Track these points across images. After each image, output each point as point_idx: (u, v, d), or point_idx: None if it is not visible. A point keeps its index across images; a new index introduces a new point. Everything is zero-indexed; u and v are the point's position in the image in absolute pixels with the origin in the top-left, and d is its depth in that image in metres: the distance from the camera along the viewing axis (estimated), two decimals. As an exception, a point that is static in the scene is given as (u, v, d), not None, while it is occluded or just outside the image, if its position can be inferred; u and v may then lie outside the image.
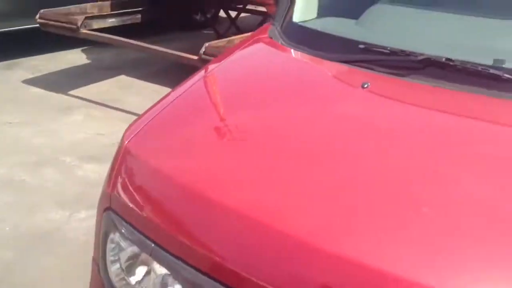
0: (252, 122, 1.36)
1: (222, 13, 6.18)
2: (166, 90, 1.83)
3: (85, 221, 2.77)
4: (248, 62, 1.69)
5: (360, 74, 1.38)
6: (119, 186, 1.28)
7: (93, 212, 1.39)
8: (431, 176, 1.05)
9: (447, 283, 0.85)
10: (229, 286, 1.01)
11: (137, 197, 1.24)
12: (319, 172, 1.11)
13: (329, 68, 1.49)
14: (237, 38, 4.04)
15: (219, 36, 5.50)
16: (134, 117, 1.52)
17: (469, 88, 1.25)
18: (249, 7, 5.89)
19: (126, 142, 1.35)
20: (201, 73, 1.64)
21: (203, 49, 3.80)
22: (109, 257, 1.28)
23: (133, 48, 4.68)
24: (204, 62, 3.81)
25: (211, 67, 1.66)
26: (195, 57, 3.88)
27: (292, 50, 1.59)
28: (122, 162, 1.33)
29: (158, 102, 1.50)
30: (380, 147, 1.15)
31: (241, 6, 5.96)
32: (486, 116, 1.26)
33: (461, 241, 0.91)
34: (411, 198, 1.00)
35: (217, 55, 3.74)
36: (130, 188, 1.27)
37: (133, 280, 1.23)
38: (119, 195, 1.28)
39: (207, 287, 1.04)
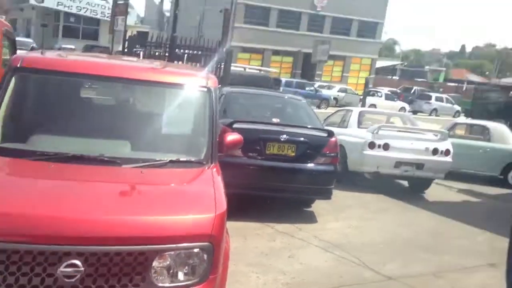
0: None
1: None
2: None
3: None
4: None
5: (48, 163, 3.19)
6: None
7: None
8: (78, 188, 3.06)
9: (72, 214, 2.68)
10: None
11: None
12: (51, 191, 2.95)
13: (33, 162, 3.23)
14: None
15: None
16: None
17: (89, 163, 3.27)
18: None
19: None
20: None
21: None
22: None
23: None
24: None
25: None
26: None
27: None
28: None
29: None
30: (58, 181, 3.16)
31: None
32: (94, 173, 3.24)
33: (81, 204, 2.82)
34: (71, 195, 2.92)
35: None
36: None
37: None
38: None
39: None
